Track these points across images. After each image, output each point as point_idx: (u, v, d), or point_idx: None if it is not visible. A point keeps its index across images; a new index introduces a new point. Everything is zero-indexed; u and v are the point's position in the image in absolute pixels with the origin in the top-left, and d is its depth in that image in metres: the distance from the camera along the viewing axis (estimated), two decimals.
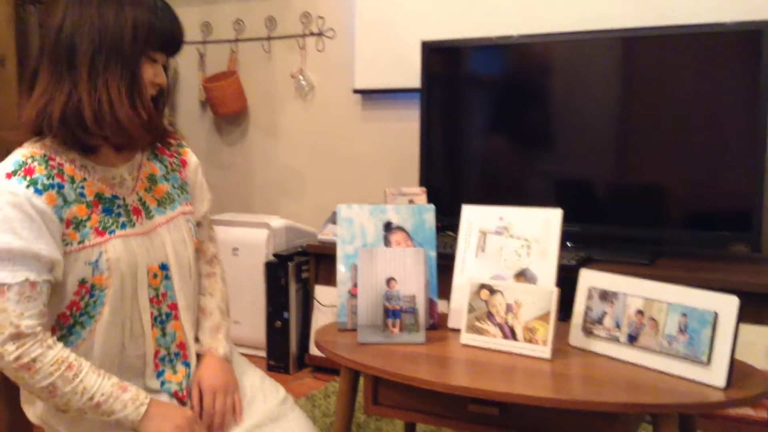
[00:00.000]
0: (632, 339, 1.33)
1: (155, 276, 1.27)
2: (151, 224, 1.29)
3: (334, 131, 3.08)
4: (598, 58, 2.41)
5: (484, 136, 2.64)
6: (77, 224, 1.18)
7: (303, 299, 2.83)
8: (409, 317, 1.42)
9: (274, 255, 2.83)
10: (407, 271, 1.43)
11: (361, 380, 1.47)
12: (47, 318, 1.16)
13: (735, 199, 2.26)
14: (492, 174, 2.61)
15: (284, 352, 2.79)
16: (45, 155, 1.18)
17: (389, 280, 1.43)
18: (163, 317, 1.30)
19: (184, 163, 1.42)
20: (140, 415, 1.18)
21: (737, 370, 1.25)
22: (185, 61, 3.35)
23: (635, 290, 1.35)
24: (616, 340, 1.36)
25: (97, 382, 1.16)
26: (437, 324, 1.58)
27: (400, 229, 1.58)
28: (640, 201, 2.40)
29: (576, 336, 1.42)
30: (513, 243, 1.51)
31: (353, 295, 1.53)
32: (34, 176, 1.15)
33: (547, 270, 1.47)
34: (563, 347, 1.42)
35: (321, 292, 2.77)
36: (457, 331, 1.50)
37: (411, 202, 1.78)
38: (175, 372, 1.31)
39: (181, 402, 1.30)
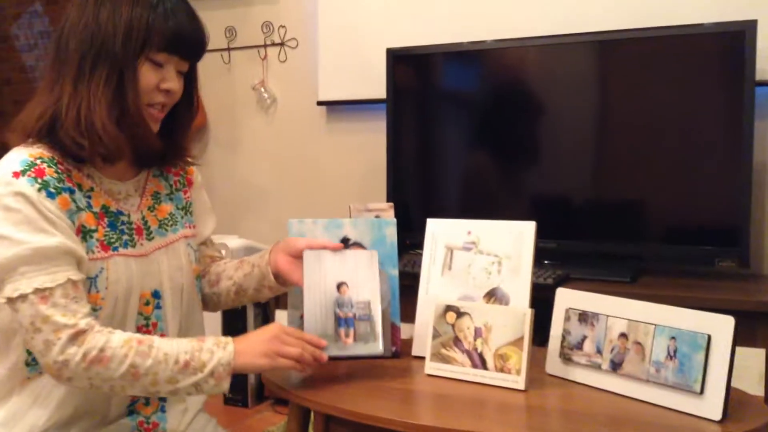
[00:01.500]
0: (615, 366, 1.18)
1: (147, 303, 1.20)
2: (149, 246, 1.22)
3: (297, 145, 2.93)
4: (576, 63, 2.29)
5: (456, 147, 2.50)
6: (85, 233, 1.12)
7: (262, 325, 2.65)
8: (364, 325, 1.26)
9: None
10: (360, 275, 1.28)
11: (311, 418, 1.30)
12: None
13: (721, 211, 2.13)
14: (464, 188, 2.46)
15: (242, 384, 2.61)
16: (53, 158, 1.11)
17: (340, 285, 1.27)
18: None
19: (189, 183, 1.36)
20: (231, 353, 1.11)
21: (733, 400, 1.11)
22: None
23: (618, 311, 1.20)
24: (597, 367, 1.21)
25: (174, 345, 1.10)
26: (399, 351, 1.41)
27: (358, 245, 1.42)
28: (620, 215, 2.27)
29: (553, 363, 1.27)
30: (482, 259, 1.36)
31: None
32: (45, 178, 1.07)
33: (519, 289, 1.32)
34: (539, 376, 1.26)
35: (282, 317, 2.59)
36: (422, 359, 1.34)
37: (378, 217, 1.70)
38: (147, 405, 1.25)
39: None
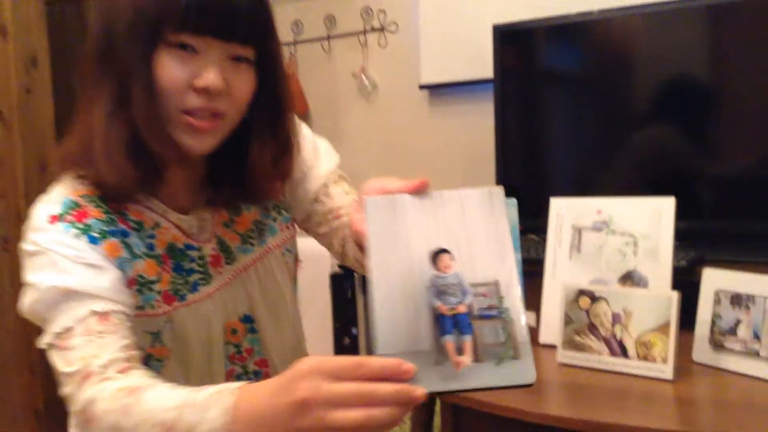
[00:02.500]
0: None
1: (234, 332, 0.96)
2: (232, 272, 0.96)
3: (400, 131, 2.88)
4: (688, 30, 2.12)
5: (568, 125, 2.38)
6: (142, 285, 0.88)
7: None
8: (491, 330, 0.66)
9: (339, 266, 2.63)
10: (475, 234, 0.71)
11: (438, 408, 1.24)
12: (135, 351, 0.82)
13: None
14: (579, 168, 2.34)
15: None
16: (103, 194, 0.87)
17: (437, 255, 0.70)
18: (250, 376, 0.99)
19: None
20: (227, 414, 0.66)
21: None
22: None
23: None
24: (755, 354, 1.09)
25: (162, 397, 0.73)
26: None
27: None
28: (753, 191, 2.09)
29: (702, 350, 1.16)
30: (615, 240, 1.26)
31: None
32: (87, 221, 0.85)
33: (659, 271, 1.22)
34: (686, 364, 1.16)
35: None
36: (551, 347, 1.26)
37: None
38: None
39: None
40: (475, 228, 0.70)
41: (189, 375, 0.93)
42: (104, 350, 0.78)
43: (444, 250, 0.69)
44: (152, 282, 0.89)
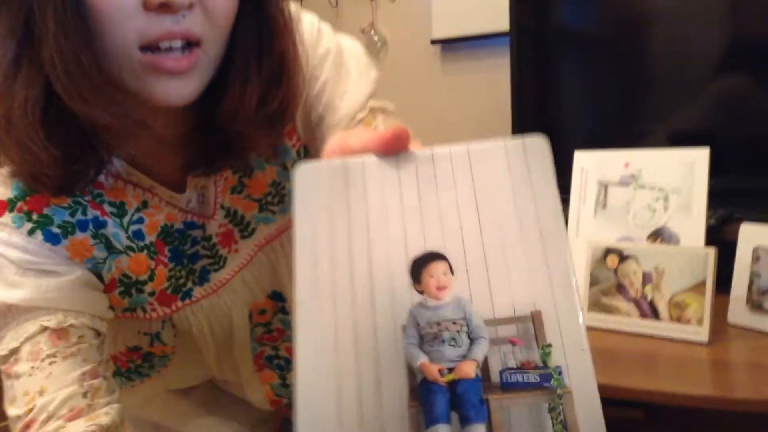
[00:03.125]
0: None
1: (262, 312, 0.79)
2: (251, 246, 0.74)
3: (411, 88, 2.79)
4: None
5: (588, 81, 2.28)
6: (129, 287, 0.68)
7: None
8: (527, 410, 0.33)
9: None
10: (493, 226, 0.36)
11: None
12: (98, 379, 0.64)
13: None
14: (599, 126, 2.25)
15: None
16: None
17: (423, 264, 0.36)
18: (281, 362, 0.83)
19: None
20: None
21: None
22: None
23: None
24: None
25: None
26: None
27: None
28: None
29: (738, 312, 1.09)
30: (644, 195, 1.18)
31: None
32: (47, 210, 0.63)
33: (692, 227, 1.14)
34: (721, 327, 1.09)
35: None
36: None
37: None
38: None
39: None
40: (499, 214, 0.36)
41: (204, 363, 0.80)
42: (54, 383, 0.59)
43: (436, 256, 0.36)
44: (142, 283, 0.68)
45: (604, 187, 1.23)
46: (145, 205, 0.67)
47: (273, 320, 0.80)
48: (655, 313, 1.06)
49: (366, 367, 0.34)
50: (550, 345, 0.33)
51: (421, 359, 0.34)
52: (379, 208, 0.37)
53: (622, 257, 1.10)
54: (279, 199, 0.74)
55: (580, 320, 0.34)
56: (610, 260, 1.11)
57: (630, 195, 1.20)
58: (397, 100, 2.85)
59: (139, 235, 0.67)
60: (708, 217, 1.85)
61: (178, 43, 0.54)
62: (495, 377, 0.33)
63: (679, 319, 1.04)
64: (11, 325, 0.61)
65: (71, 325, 0.62)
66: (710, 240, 1.14)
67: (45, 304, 0.62)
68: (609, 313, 1.10)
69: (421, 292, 0.35)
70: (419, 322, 0.34)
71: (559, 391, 0.32)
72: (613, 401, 0.96)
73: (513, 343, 0.34)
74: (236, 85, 0.60)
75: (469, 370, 0.33)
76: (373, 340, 0.34)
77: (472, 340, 0.34)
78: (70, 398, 0.59)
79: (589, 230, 1.23)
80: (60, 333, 0.61)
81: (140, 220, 0.67)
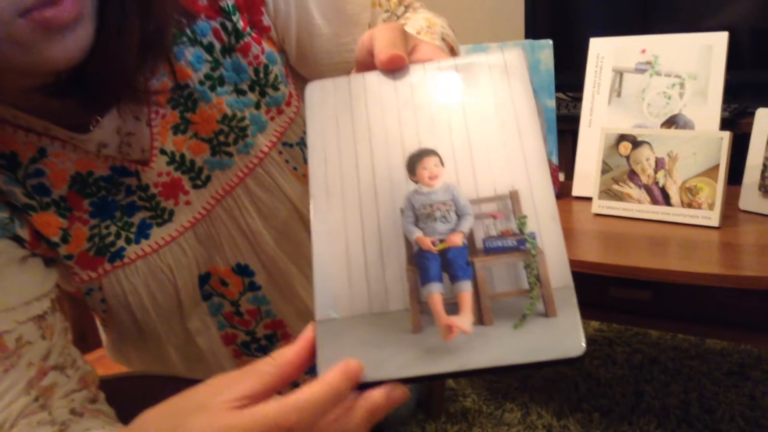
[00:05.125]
0: None
1: (224, 284, 0.68)
2: (206, 197, 0.64)
3: None
4: None
5: None
6: (47, 242, 0.59)
7: None
8: (506, 269, 0.40)
9: None
10: (477, 124, 0.43)
11: None
12: (53, 373, 0.56)
13: None
14: (616, 12, 2.18)
15: None
16: None
17: (417, 158, 0.43)
18: (262, 343, 0.74)
19: (244, 8, 0.61)
20: None
21: None
22: None
23: None
24: None
25: None
26: (558, 193, 1.27)
27: None
28: None
29: (749, 198, 1.09)
30: (660, 82, 1.16)
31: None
32: None
33: (707, 114, 1.13)
34: (732, 213, 1.09)
35: None
36: (586, 199, 1.19)
37: None
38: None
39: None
40: (481, 114, 0.43)
41: (146, 339, 0.68)
42: (1, 402, 0.52)
43: (428, 151, 0.42)
44: (54, 245, 0.58)
45: (619, 74, 1.21)
46: (43, 153, 0.55)
47: (241, 300, 0.69)
48: (666, 199, 1.06)
49: (371, 243, 0.41)
50: (525, 216, 0.40)
51: (417, 233, 0.41)
52: (378, 114, 0.44)
53: (635, 143, 1.09)
54: (235, 136, 0.62)
55: (551, 196, 0.40)
56: (623, 147, 1.10)
57: (645, 82, 1.18)
58: None
59: (41, 189, 0.56)
60: (722, 110, 1.83)
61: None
62: (479, 245, 0.40)
63: (690, 205, 1.04)
64: None
65: (4, 332, 0.53)
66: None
67: None
68: (620, 200, 1.11)
69: (416, 182, 0.42)
70: (414, 205, 0.41)
71: (533, 252, 0.39)
72: (621, 281, 0.98)
73: (494, 217, 0.40)
74: (111, 17, 0.47)
75: (457, 239, 0.40)
76: (376, 221, 0.41)
77: (459, 217, 0.41)
78: (24, 409, 0.53)
79: (603, 119, 1.21)
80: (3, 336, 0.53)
81: (39, 173, 0.56)
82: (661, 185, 1.07)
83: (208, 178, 0.63)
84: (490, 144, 0.42)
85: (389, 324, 0.39)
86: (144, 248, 0.62)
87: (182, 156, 0.61)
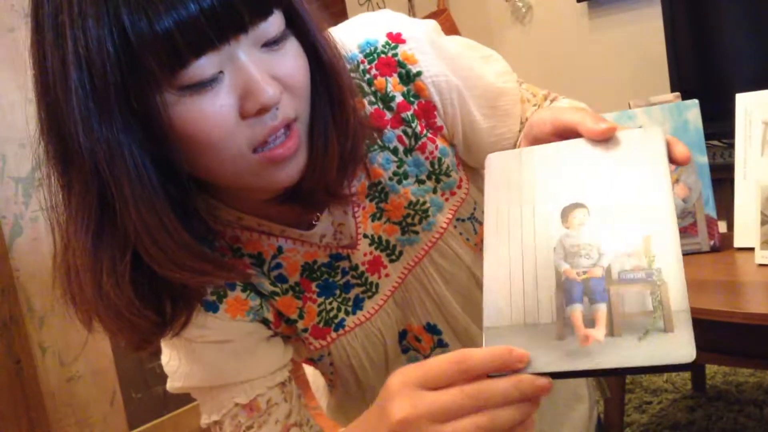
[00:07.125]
0: None
1: (418, 340, 0.80)
2: (400, 269, 0.76)
3: (560, 51, 2.79)
4: None
5: (746, 19, 2.19)
6: (287, 323, 0.75)
7: None
8: (636, 294, 0.51)
9: None
10: (619, 184, 0.55)
11: None
12: (297, 427, 0.73)
13: None
14: (762, 65, 2.16)
15: None
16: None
17: (569, 210, 0.56)
18: None
19: (422, 112, 0.72)
20: None
21: None
22: (393, 7, 3.25)
23: None
24: None
25: None
26: (719, 245, 1.29)
27: None
28: None
29: None
30: None
31: None
32: None
33: None
34: None
35: None
36: (747, 250, 1.21)
37: None
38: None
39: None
40: (623, 177, 0.55)
41: (364, 392, 0.82)
42: None
43: (577, 205, 0.55)
44: (293, 322, 0.74)
45: None
46: (280, 251, 0.71)
47: (431, 354, 0.80)
48: None
49: (528, 271, 0.54)
50: (654, 255, 0.51)
51: (565, 266, 0.53)
52: (542, 176, 0.57)
53: None
54: (420, 217, 0.75)
55: (676, 241, 0.51)
56: None
57: None
58: (546, 62, 2.94)
59: (281, 279, 0.72)
60: None
61: (281, 131, 0.57)
62: (615, 276, 0.52)
63: None
64: (207, 399, 0.71)
65: (258, 395, 0.70)
66: None
67: (232, 380, 0.70)
68: None
69: (567, 228, 0.54)
70: (565, 245, 0.54)
71: (658, 283, 0.50)
72: None
73: (628, 255, 0.52)
74: (318, 144, 0.61)
75: (597, 272, 0.52)
76: (534, 255, 0.55)
77: (600, 255, 0.53)
78: None
79: (757, 170, 1.24)
80: (251, 405, 0.70)
81: (278, 266, 0.71)
82: None
83: (401, 253, 0.76)
84: (628, 201, 0.53)
85: (539, 332, 0.51)
86: (359, 318, 0.76)
87: (380, 237, 0.75)
